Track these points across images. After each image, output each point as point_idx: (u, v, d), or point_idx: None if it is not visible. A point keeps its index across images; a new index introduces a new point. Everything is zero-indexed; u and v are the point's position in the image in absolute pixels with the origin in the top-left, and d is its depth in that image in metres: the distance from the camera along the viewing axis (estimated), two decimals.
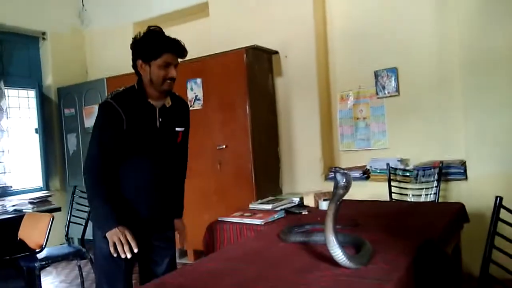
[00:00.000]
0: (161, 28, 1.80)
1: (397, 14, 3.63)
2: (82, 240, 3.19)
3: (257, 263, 1.58)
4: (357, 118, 3.89)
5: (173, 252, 2.01)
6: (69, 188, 4.94)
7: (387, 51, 3.67)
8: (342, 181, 1.45)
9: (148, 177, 1.84)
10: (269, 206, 2.52)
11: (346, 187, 1.45)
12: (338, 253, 1.42)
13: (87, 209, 3.28)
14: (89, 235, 3.24)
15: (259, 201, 2.77)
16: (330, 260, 1.49)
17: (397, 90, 3.64)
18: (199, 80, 4.07)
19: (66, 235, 3.42)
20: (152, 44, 1.75)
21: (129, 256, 1.66)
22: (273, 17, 4.05)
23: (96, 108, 5.30)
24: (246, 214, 2.39)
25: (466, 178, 3.14)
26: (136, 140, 1.78)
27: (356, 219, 2.07)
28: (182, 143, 2.03)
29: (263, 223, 2.21)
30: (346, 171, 1.48)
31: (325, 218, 1.45)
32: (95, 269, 1.96)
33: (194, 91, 4.10)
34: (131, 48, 1.82)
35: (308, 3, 3.86)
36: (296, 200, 2.68)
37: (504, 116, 2.99)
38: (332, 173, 3.66)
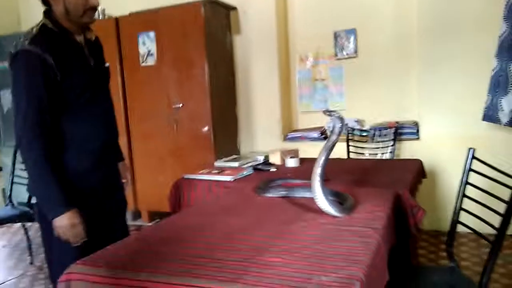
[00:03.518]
0: None
1: None
2: (29, 202, 2.95)
3: (239, 216, 1.54)
4: (316, 79, 3.90)
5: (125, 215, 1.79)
6: (5, 149, 4.52)
7: (347, 12, 3.67)
8: (338, 125, 1.41)
9: (97, 134, 1.54)
10: (236, 164, 2.48)
11: (340, 133, 1.43)
12: (323, 201, 1.43)
13: None
14: None
15: (224, 159, 2.71)
16: (313, 212, 1.50)
17: (356, 51, 3.68)
18: (152, 34, 3.81)
19: (9, 196, 3.14)
20: None
21: (76, 244, 1.41)
22: None
23: None
24: (214, 171, 2.32)
25: (419, 137, 3.31)
26: (75, 89, 1.45)
27: (325, 174, 2.09)
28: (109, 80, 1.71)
29: (232, 180, 2.17)
30: (340, 115, 1.43)
31: (314, 164, 1.43)
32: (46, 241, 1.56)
33: (147, 45, 3.85)
34: None
35: None
36: (261, 158, 2.66)
37: (454, 82, 3.15)
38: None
